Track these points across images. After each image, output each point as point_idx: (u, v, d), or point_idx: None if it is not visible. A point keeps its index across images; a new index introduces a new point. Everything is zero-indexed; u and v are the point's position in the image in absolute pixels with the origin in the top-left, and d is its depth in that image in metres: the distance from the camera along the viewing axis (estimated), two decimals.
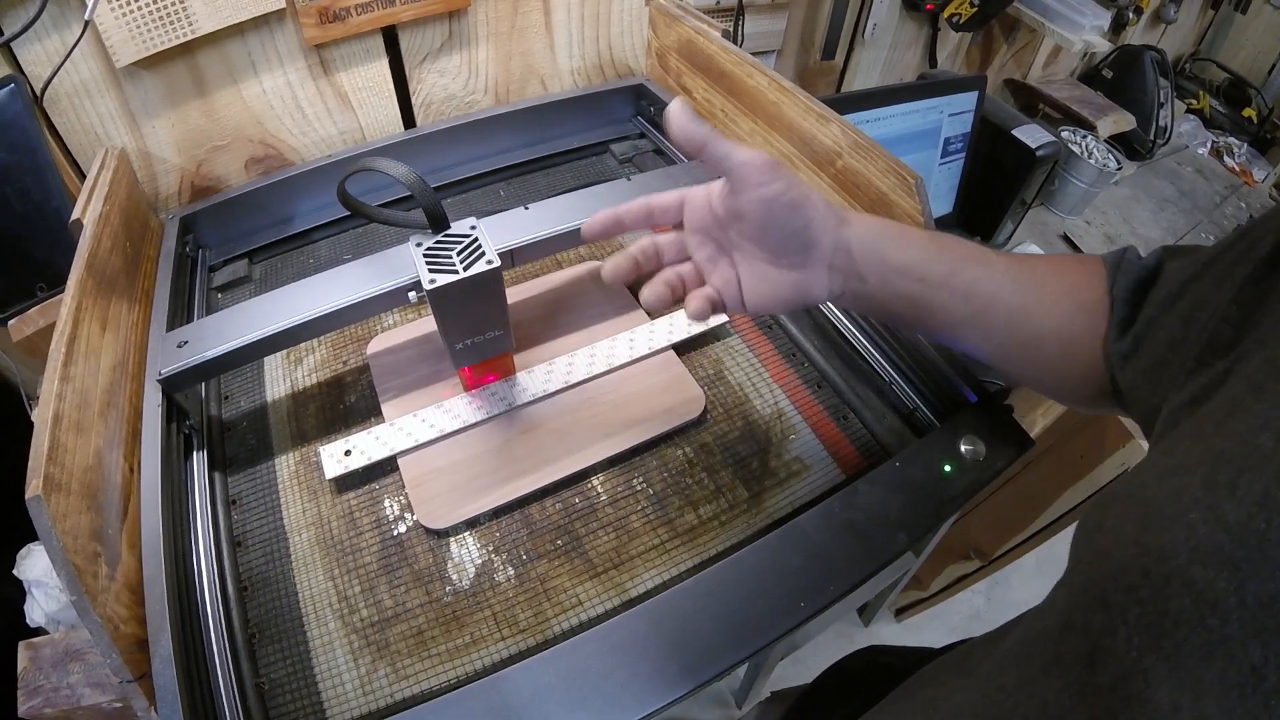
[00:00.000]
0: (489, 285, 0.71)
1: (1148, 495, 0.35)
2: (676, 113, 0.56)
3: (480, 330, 0.75)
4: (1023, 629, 0.42)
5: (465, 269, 0.69)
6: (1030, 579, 2.21)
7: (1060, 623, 0.36)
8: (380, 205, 0.78)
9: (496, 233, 0.78)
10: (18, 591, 0.93)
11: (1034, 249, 1.69)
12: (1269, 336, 0.36)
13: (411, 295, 0.73)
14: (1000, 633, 0.53)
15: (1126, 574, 0.33)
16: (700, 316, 0.62)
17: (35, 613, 0.92)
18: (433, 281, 0.68)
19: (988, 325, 0.59)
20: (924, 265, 0.59)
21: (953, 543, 1.83)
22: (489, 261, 0.69)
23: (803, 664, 1.96)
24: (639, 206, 0.62)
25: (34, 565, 0.93)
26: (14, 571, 0.92)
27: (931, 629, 2.10)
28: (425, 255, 0.70)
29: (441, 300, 0.69)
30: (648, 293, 0.61)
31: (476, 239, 0.71)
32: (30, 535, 0.96)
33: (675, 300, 0.62)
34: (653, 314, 0.62)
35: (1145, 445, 1.26)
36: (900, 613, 2.10)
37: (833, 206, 0.59)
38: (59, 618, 0.92)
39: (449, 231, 0.72)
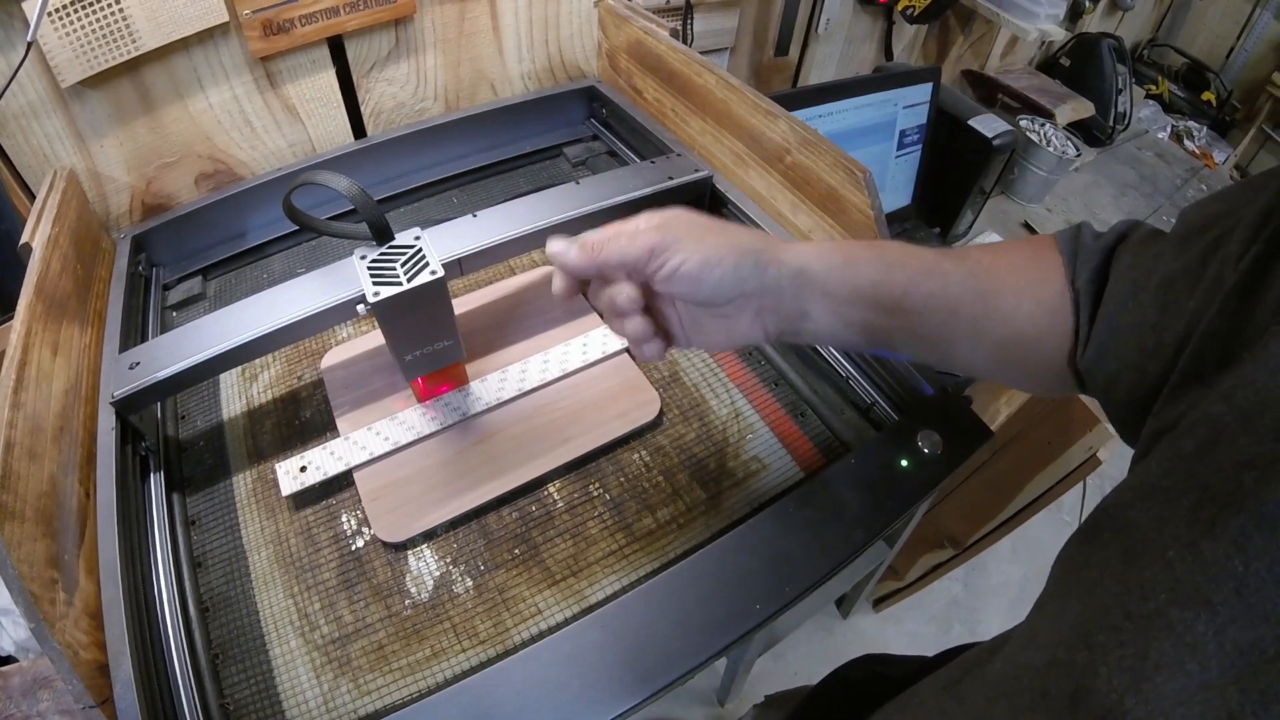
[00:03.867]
0: (434, 296, 0.70)
1: (1132, 524, 0.35)
2: (556, 251, 0.56)
3: (429, 341, 0.75)
4: (1009, 656, 0.41)
5: (409, 280, 0.68)
6: (1006, 564, 2.23)
7: (1045, 658, 0.36)
8: (331, 217, 0.78)
9: (443, 242, 0.78)
10: None
11: (995, 237, 1.70)
12: (1257, 360, 0.35)
13: (359, 308, 0.73)
14: (989, 651, 0.51)
15: (1109, 613, 0.33)
16: (656, 357, 0.61)
17: (4, 640, 0.91)
18: (376, 294, 0.68)
19: (950, 339, 0.57)
20: (874, 291, 0.56)
21: (926, 532, 1.84)
22: (433, 272, 0.69)
23: (783, 659, 1.97)
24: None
25: (1, 593, 0.92)
26: None
27: (911, 618, 2.10)
28: (369, 268, 0.70)
29: (387, 313, 0.69)
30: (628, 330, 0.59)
31: (420, 249, 0.71)
32: None
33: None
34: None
35: (1111, 429, 1.27)
36: (878, 603, 2.11)
37: (753, 251, 0.56)
38: (28, 645, 0.91)
39: (393, 243, 0.72)
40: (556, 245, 0.57)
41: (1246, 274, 0.39)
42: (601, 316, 0.64)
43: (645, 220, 0.56)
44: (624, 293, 0.58)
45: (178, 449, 0.84)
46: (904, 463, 0.73)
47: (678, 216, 0.57)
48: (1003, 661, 0.42)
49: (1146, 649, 0.30)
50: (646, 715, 0.58)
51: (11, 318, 0.79)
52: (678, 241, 0.54)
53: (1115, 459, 1.48)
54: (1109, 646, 0.32)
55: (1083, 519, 0.41)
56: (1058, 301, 0.54)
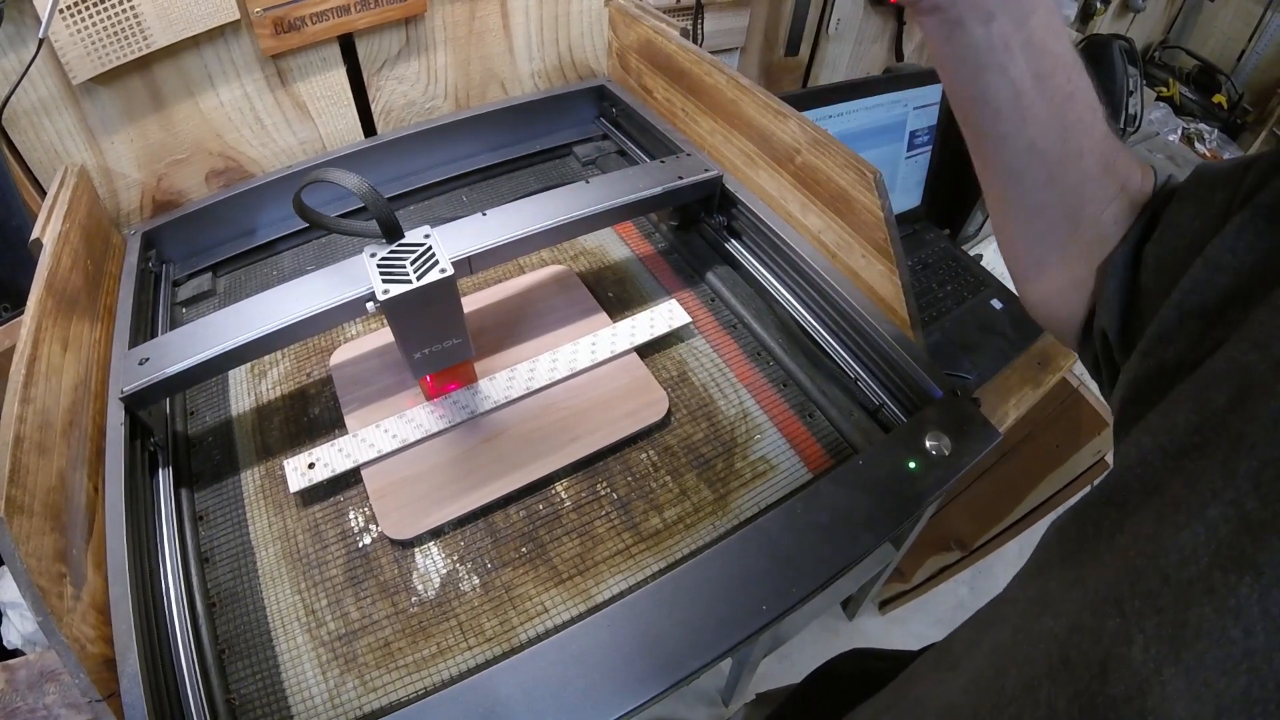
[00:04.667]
0: (443, 294, 0.71)
1: (1161, 484, 0.34)
2: None
3: (438, 339, 0.75)
4: (1019, 625, 0.40)
5: (419, 278, 0.69)
6: (1013, 568, 2.16)
7: (1068, 624, 0.35)
8: (341, 215, 0.78)
9: (452, 240, 0.79)
10: None
11: None
12: None
13: (369, 306, 0.73)
14: (984, 621, 0.51)
15: (1144, 578, 0.31)
16: None
17: (11, 634, 0.91)
18: (386, 292, 0.68)
19: (1054, 175, 0.53)
20: (1052, 64, 0.51)
21: (933, 534, 1.84)
22: (442, 270, 0.69)
23: (788, 660, 1.97)
24: None
25: (8, 587, 0.93)
26: None
27: (916, 621, 2.11)
28: (379, 265, 0.70)
29: (396, 310, 0.69)
30: None
31: (430, 248, 0.71)
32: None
33: None
34: None
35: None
36: (884, 605, 2.11)
37: None
38: (35, 639, 0.92)
39: (402, 241, 0.72)
40: None
41: (1267, 209, 0.38)
42: None
43: None
44: None
45: (186, 445, 0.84)
46: (912, 464, 0.73)
47: None
48: (1012, 630, 0.41)
49: (1185, 615, 0.29)
50: (650, 715, 0.58)
51: (21, 313, 0.79)
52: None
53: None
54: (1145, 613, 0.31)
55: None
56: (1130, 214, 0.53)
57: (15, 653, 0.91)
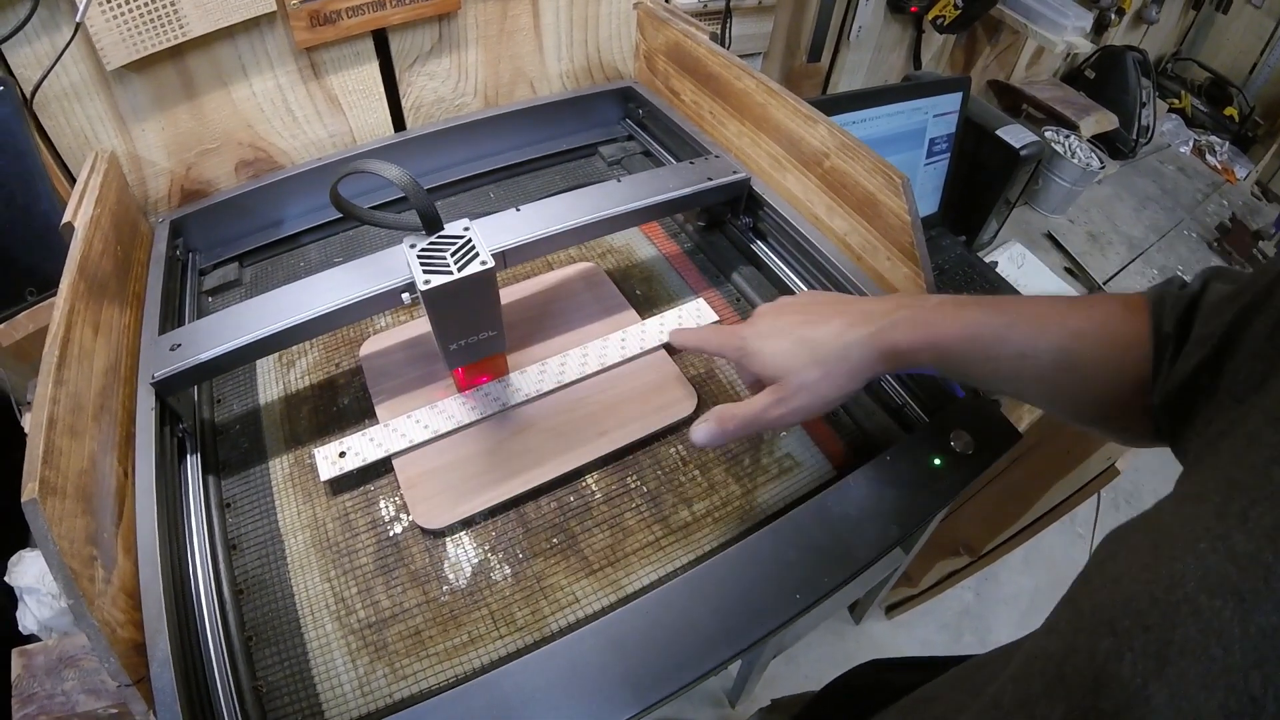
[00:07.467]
0: (483, 285, 0.71)
1: (1163, 523, 0.36)
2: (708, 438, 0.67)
3: (474, 331, 0.75)
4: (1028, 649, 0.41)
5: (460, 269, 0.69)
6: (1019, 574, 2.23)
7: (1063, 645, 0.36)
8: (371, 208, 0.78)
9: (488, 234, 0.79)
10: (9, 599, 0.92)
11: (1019, 248, 1.70)
12: None
13: (405, 296, 0.74)
14: (1008, 651, 0.52)
15: (1135, 600, 0.33)
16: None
17: (27, 619, 0.91)
18: (427, 282, 0.68)
19: (1034, 379, 0.60)
20: (977, 369, 0.61)
21: (942, 539, 1.84)
22: (483, 262, 0.70)
23: (795, 662, 1.97)
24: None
25: (25, 572, 0.93)
26: (5, 578, 0.92)
27: (923, 625, 2.11)
28: (419, 256, 0.71)
29: (436, 301, 0.70)
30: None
31: (470, 240, 0.72)
32: (20, 542, 0.96)
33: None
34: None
35: None
36: (891, 610, 2.11)
37: (864, 362, 0.64)
38: (51, 624, 0.92)
39: (442, 233, 0.73)
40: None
41: None
42: None
43: (771, 397, 0.65)
44: None
45: (213, 432, 0.85)
46: (937, 461, 0.73)
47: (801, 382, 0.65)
48: (1022, 655, 0.42)
49: (1171, 634, 0.30)
50: (657, 715, 0.59)
51: (47, 297, 0.79)
52: (797, 406, 0.65)
53: (1132, 471, 1.48)
54: (1134, 632, 0.32)
55: (1095, 532, 0.41)
56: (1139, 346, 0.55)
57: (31, 638, 0.91)
